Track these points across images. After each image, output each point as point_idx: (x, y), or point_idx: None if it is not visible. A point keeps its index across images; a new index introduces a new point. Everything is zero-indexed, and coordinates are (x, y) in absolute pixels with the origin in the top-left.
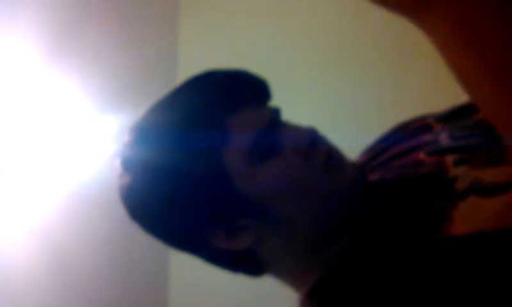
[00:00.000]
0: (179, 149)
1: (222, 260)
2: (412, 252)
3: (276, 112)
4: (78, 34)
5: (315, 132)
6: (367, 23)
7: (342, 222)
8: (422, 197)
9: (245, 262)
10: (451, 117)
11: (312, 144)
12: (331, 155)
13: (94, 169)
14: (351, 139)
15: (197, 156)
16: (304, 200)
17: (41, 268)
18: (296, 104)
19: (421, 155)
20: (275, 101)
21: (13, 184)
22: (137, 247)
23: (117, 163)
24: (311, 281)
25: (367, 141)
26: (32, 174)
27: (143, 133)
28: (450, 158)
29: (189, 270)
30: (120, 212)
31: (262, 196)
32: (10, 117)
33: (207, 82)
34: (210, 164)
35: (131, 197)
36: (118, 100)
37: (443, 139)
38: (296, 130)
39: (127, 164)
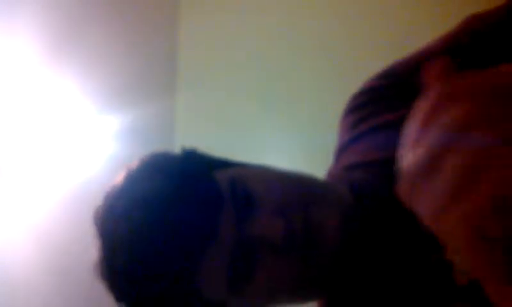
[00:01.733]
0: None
1: None
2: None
3: (232, 193)
4: (78, 34)
5: (285, 198)
6: (367, 23)
7: (338, 281)
8: (418, 269)
9: None
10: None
11: (283, 239)
12: (309, 231)
13: (94, 169)
14: None
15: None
16: (297, 293)
17: (41, 268)
18: (296, 104)
19: None
20: (275, 101)
21: (13, 184)
22: None
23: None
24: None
25: None
26: (32, 174)
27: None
28: None
29: None
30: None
31: (255, 304)
32: (11, 117)
33: (156, 247)
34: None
35: None
36: (118, 100)
37: None
38: (264, 218)
39: (117, 300)
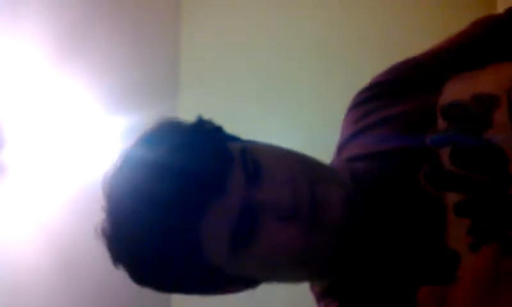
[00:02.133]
0: (161, 255)
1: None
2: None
3: (243, 159)
4: (85, 36)
5: (294, 173)
6: (367, 23)
7: (334, 263)
8: (421, 258)
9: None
10: (458, 116)
11: (290, 207)
12: (314, 205)
13: (101, 169)
14: None
15: (180, 263)
16: (297, 268)
17: (49, 267)
18: (296, 104)
19: (421, 176)
20: (276, 103)
21: (21, 184)
22: None
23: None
24: (320, 286)
25: None
26: (40, 174)
27: (119, 248)
28: (451, 198)
29: None
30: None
31: (253, 274)
32: (19, 117)
33: (162, 192)
34: (195, 265)
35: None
36: (122, 102)
37: (446, 159)
38: (272, 186)
39: (116, 258)
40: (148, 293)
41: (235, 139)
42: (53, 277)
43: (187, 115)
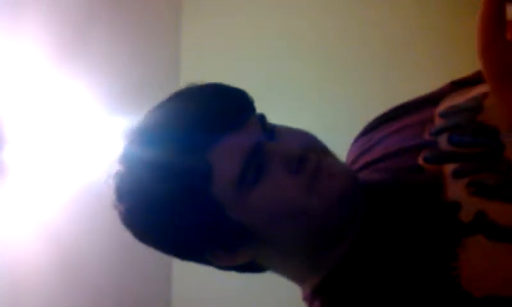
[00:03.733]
0: (167, 185)
1: (226, 268)
2: (418, 288)
3: (261, 120)
4: (86, 36)
5: (306, 142)
6: (366, 24)
7: (335, 233)
8: (421, 217)
9: (247, 269)
10: (453, 112)
11: (300, 160)
12: (320, 169)
13: (102, 169)
14: (348, 139)
15: (185, 190)
16: (294, 221)
17: (49, 267)
18: (296, 104)
19: (419, 160)
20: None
21: (21, 184)
22: (145, 246)
23: (110, 191)
24: (311, 284)
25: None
26: (40, 174)
27: (132, 166)
28: (449, 167)
29: (192, 268)
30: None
31: (253, 221)
32: (19, 117)
33: (186, 112)
34: (199, 197)
35: (128, 225)
36: (125, 101)
37: (443, 142)
38: (285, 142)
39: (120, 196)
40: (148, 294)
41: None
42: (53, 277)
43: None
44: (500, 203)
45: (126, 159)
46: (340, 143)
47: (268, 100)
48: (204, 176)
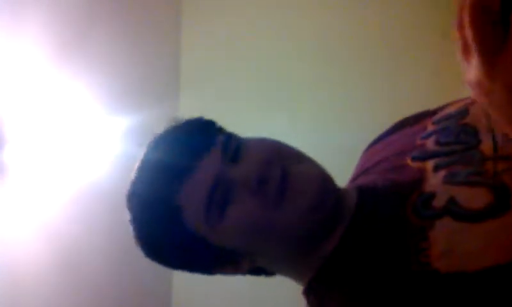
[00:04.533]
0: (158, 231)
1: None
2: (392, 277)
3: (224, 145)
4: (86, 36)
5: (269, 155)
6: (366, 24)
7: (317, 234)
8: (401, 209)
9: (252, 273)
10: (444, 119)
11: (261, 180)
12: (285, 182)
13: (103, 169)
14: (348, 139)
15: (172, 233)
16: (269, 236)
17: (49, 267)
18: (296, 105)
19: (408, 160)
20: (277, 101)
21: (21, 184)
22: None
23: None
24: (308, 276)
25: (366, 140)
26: (40, 174)
27: (133, 215)
28: (430, 163)
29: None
30: (128, 212)
31: (234, 244)
32: (19, 117)
33: (151, 168)
34: (186, 237)
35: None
36: (124, 102)
37: (430, 144)
38: (245, 165)
39: (136, 239)
40: (148, 294)
41: (229, 134)
42: (53, 278)
43: (188, 114)
44: (467, 188)
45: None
46: (340, 143)
47: (268, 100)
48: (177, 218)
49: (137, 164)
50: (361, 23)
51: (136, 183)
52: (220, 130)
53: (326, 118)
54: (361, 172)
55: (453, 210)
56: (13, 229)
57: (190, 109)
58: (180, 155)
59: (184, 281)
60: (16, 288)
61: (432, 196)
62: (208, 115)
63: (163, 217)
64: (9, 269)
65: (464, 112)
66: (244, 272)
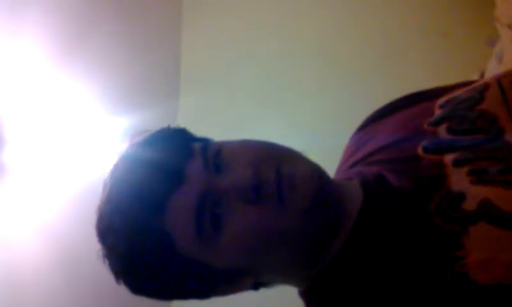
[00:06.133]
0: (145, 260)
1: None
2: (422, 282)
3: (202, 152)
4: (86, 36)
5: (257, 157)
6: (366, 24)
7: (321, 236)
8: (423, 210)
9: (252, 288)
10: (453, 103)
11: (256, 188)
12: (281, 185)
13: (102, 169)
14: (348, 139)
15: (162, 261)
16: (274, 246)
17: (49, 267)
18: (296, 105)
19: (419, 150)
20: (277, 101)
21: (21, 184)
22: None
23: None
24: (311, 278)
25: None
26: (40, 174)
27: (109, 244)
28: (449, 158)
29: None
30: (103, 247)
31: (234, 263)
32: (19, 118)
33: (127, 197)
34: (179, 263)
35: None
36: (126, 101)
37: (443, 132)
38: (233, 171)
39: (115, 273)
40: None
41: (204, 140)
42: (53, 278)
43: (188, 114)
44: (503, 189)
45: (105, 236)
46: (339, 143)
47: (268, 100)
48: (166, 243)
49: (105, 192)
50: (361, 23)
51: (110, 216)
52: (193, 137)
53: (326, 118)
54: (356, 160)
55: (490, 214)
56: (13, 229)
57: (190, 109)
58: (154, 176)
59: None
60: (16, 288)
61: (461, 196)
62: (208, 115)
63: (151, 247)
64: (9, 269)
65: (477, 96)
66: (242, 290)
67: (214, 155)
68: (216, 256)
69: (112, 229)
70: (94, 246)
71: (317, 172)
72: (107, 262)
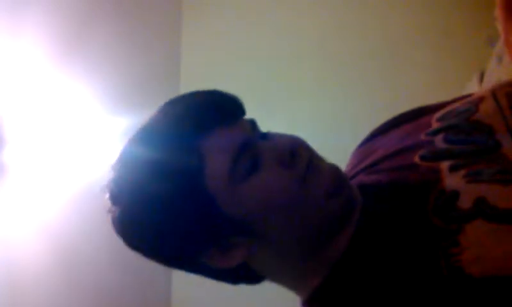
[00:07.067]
0: (160, 180)
1: (220, 276)
2: (421, 280)
3: (252, 124)
4: (86, 36)
5: (296, 140)
6: (366, 23)
7: (328, 227)
8: (420, 210)
9: (242, 275)
10: (450, 115)
11: (292, 153)
12: (312, 162)
13: (102, 169)
14: (348, 139)
15: (178, 184)
16: (288, 213)
17: (49, 267)
18: (296, 104)
19: (415, 158)
20: (277, 101)
21: (21, 184)
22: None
23: (106, 198)
24: (311, 286)
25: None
26: (40, 174)
27: (125, 167)
28: (445, 164)
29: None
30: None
31: (246, 215)
32: (19, 118)
33: (178, 108)
34: (192, 190)
35: (122, 229)
36: (126, 101)
37: (439, 141)
38: (276, 140)
39: (114, 198)
40: (148, 294)
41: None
42: (53, 277)
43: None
44: (498, 186)
45: (119, 163)
46: (340, 142)
47: (268, 100)
48: (196, 168)
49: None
50: (362, 23)
51: (157, 121)
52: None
53: (326, 118)
54: (357, 172)
55: (485, 210)
56: (13, 229)
57: None
58: (209, 105)
59: (184, 281)
60: (16, 288)
61: (455, 195)
62: None
63: (181, 159)
64: (9, 269)
65: (473, 108)
66: (229, 266)
67: (260, 131)
68: (234, 201)
69: (155, 132)
70: (94, 246)
71: (340, 171)
72: (119, 183)
